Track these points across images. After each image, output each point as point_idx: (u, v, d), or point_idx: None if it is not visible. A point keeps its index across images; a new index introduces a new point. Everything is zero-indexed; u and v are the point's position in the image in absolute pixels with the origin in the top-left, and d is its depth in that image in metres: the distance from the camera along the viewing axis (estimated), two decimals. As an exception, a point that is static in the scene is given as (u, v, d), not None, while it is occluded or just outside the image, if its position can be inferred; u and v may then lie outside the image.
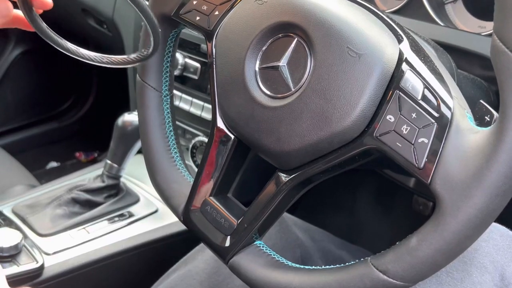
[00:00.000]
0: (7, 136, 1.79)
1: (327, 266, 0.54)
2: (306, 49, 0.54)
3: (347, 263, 0.53)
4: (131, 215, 1.03)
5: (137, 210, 1.04)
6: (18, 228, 0.94)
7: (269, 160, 0.59)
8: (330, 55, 0.53)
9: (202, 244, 0.82)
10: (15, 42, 1.77)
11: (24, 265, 0.86)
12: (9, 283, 0.54)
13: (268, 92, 0.57)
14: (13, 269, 0.85)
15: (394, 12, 0.88)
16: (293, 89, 0.55)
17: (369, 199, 1.29)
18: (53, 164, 1.79)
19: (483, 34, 0.80)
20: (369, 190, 1.28)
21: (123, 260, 0.96)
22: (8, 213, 0.99)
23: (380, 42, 0.52)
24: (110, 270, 0.95)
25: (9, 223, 0.96)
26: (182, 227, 0.65)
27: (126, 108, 1.18)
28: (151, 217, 1.03)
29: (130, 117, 1.01)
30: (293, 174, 0.56)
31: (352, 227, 1.28)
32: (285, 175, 0.57)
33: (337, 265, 0.54)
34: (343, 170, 0.55)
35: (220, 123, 0.62)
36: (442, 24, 0.84)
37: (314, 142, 0.53)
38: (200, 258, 0.82)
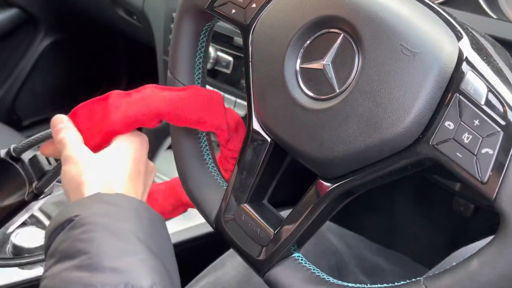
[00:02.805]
0: (36, 128, 1.78)
1: (374, 285, 0.50)
2: (354, 46, 0.50)
3: (396, 283, 0.48)
4: (159, 214, 0.99)
5: (166, 209, 1.01)
6: (45, 227, 0.91)
7: (309, 167, 0.54)
8: (381, 53, 0.48)
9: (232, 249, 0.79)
10: (44, 32, 1.75)
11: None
12: None
13: (310, 93, 0.52)
14: (39, 271, 0.82)
15: (442, 3, 0.83)
16: (338, 90, 0.50)
17: (407, 199, 1.24)
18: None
19: (540, 27, 0.74)
20: (408, 190, 1.23)
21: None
22: (34, 211, 0.96)
23: (438, 40, 0.47)
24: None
25: (36, 221, 0.93)
26: (212, 228, 0.61)
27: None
28: (180, 217, 0.99)
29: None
30: (336, 183, 0.52)
31: (389, 229, 1.24)
32: (327, 184, 0.52)
33: (385, 285, 0.49)
34: (392, 179, 0.50)
35: (256, 125, 0.57)
36: (494, 16, 0.79)
37: (361, 150, 0.48)
38: (230, 264, 0.78)
